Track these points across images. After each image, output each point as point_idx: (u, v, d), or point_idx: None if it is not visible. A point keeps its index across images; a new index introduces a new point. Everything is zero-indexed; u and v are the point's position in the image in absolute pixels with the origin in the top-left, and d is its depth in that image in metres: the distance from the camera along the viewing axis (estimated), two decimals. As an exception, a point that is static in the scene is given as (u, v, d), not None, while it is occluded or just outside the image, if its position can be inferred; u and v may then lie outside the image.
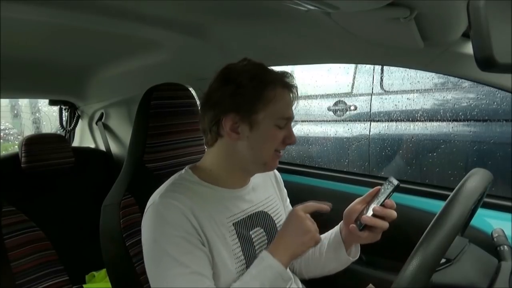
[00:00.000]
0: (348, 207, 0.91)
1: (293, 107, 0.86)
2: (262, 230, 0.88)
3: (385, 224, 0.83)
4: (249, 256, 0.82)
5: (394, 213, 0.83)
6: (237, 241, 0.81)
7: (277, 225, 0.92)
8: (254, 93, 0.79)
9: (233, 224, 0.82)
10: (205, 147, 0.90)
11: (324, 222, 1.06)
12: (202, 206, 0.78)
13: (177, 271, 0.72)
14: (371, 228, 0.83)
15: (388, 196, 0.83)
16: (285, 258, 0.77)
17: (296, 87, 0.86)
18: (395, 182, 0.83)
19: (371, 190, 0.89)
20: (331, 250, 0.96)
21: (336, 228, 0.97)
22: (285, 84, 0.83)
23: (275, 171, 1.05)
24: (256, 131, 0.81)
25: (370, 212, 0.83)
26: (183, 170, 0.88)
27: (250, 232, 0.85)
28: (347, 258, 0.94)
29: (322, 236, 1.02)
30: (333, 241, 0.96)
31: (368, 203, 0.87)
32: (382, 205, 0.82)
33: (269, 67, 0.86)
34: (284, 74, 0.85)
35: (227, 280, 0.77)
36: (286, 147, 0.87)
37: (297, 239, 0.78)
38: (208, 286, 0.73)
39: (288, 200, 1.07)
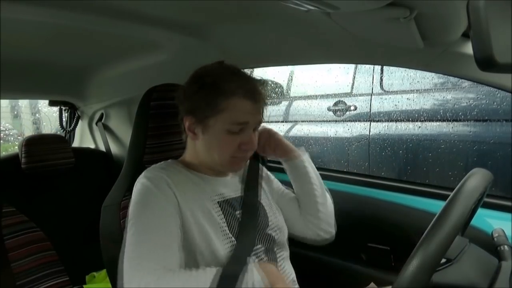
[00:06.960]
0: None
1: (259, 112, 0.86)
2: None
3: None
4: (236, 233, 0.83)
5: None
6: (222, 215, 0.84)
7: (266, 210, 0.94)
8: (207, 100, 0.81)
9: (217, 202, 0.85)
10: None
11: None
12: (186, 185, 0.82)
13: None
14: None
15: None
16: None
17: (263, 94, 0.86)
18: None
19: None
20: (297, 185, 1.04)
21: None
22: (246, 93, 0.82)
23: (263, 168, 1.07)
24: (208, 135, 0.84)
25: None
26: (169, 160, 0.91)
27: (236, 212, 0.87)
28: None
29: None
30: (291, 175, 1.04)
31: None
32: None
33: (242, 73, 0.86)
34: (249, 82, 0.84)
35: (216, 253, 0.79)
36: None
37: None
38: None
39: (283, 190, 1.07)
